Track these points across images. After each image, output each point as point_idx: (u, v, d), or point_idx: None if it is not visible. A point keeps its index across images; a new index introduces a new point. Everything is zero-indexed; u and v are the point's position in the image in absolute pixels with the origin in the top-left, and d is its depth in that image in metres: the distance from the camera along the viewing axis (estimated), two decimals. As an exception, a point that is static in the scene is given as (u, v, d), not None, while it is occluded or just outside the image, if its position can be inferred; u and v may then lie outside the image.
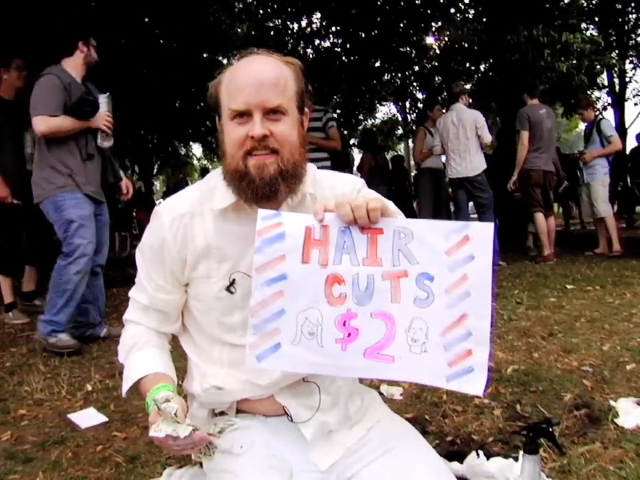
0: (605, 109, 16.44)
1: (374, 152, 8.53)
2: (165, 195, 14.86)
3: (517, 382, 2.53)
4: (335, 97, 13.71)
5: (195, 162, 24.57)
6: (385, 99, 15.91)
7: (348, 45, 12.74)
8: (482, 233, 1.10)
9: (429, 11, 11.31)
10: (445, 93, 11.20)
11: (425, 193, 7.14)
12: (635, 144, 11.12)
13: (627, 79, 16.47)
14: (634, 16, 12.89)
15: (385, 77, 14.18)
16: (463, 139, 6.22)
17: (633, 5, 11.66)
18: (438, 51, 12.78)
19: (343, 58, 13.02)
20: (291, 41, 12.92)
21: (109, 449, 2.09)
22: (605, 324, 3.47)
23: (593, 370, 2.64)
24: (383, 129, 18.84)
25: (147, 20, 9.49)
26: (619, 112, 16.07)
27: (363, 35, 12.17)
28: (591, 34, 8.72)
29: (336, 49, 13.09)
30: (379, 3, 11.32)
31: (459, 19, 10.93)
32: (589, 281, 5.00)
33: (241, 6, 11.60)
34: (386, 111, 19.69)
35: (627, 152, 11.09)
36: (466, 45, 10.74)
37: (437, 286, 1.10)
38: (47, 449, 2.12)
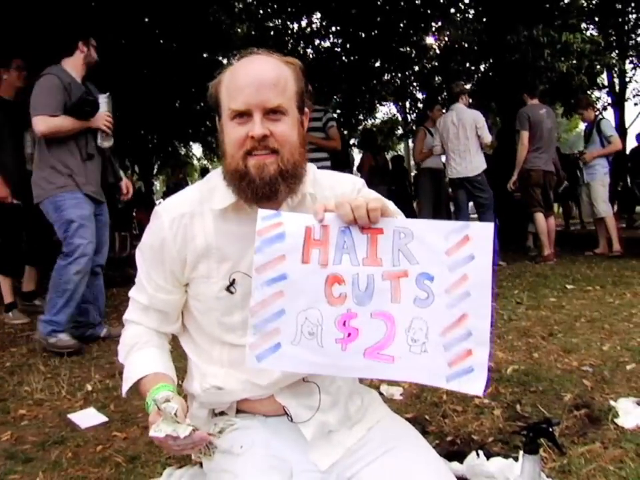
0: (605, 108, 16.44)
1: (374, 152, 8.52)
2: (165, 195, 14.86)
3: (516, 382, 2.53)
4: (334, 97, 13.71)
5: (195, 162, 24.57)
6: (385, 98, 15.92)
7: (348, 45, 12.75)
8: (482, 233, 1.10)
9: (429, 11, 11.32)
10: (445, 93, 11.21)
11: (424, 193, 7.13)
12: (635, 144, 11.12)
13: (627, 79, 16.47)
14: (634, 16, 12.89)
15: (385, 77, 14.18)
16: (463, 139, 6.22)
17: (633, 4, 11.66)
18: (438, 51, 12.79)
19: (343, 58, 13.02)
20: (291, 41, 12.93)
21: (109, 449, 2.09)
22: (605, 324, 3.47)
23: (592, 370, 2.64)
24: (383, 129, 18.85)
25: (147, 20, 9.49)
26: (619, 112, 16.07)
27: (363, 35, 12.18)
28: (590, 34, 8.72)
29: (336, 49, 13.09)
30: (378, 2, 11.33)
31: (459, 18, 10.93)
32: (589, 281, 5.00)
33: (240, 6, 11.60)
34: (386, 111, 19.71)
35: (627, 152, 11.09)
36: (466, 45, 10.74)
37: (436, 286, 1.10)
38: (47, 448, 2.12)
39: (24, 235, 4.60)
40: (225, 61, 10.58)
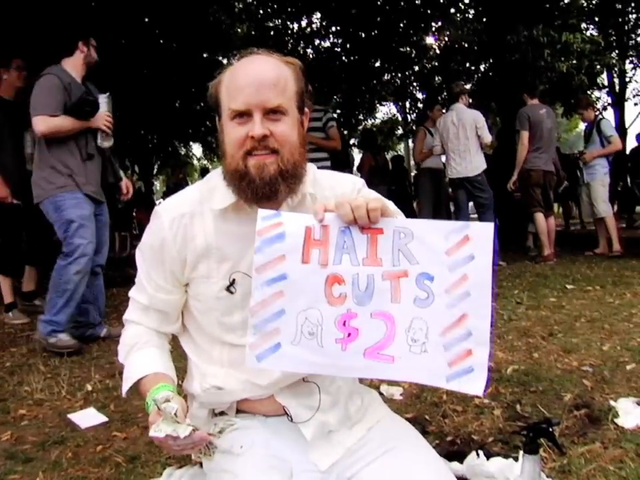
0: (605, 108, 16.43)
1: (374, 152, 8.52)
2: (165, 195, 14.86)
3: (516, 382, 2.53)
4: (334, 97, 13.71)
5: (195, 162, 24.57)
6: (385, 98, 15.92)
7: (348, 45, 12.75)
8: (482, 233, 1.10)
9: (429, 11, 11.32)
10: (445, 93, 11.21)
11: (425, 193, 7.13)
12: (635, 144, 11.12)
13: (627, 79, 16.46)
14: (634, 16, 12.88)
15: (385, 77, 14.18)
16: (463, 139, 6.22)
17: (633, 5, 11.65)
18: (438, 51, 12.78)
19: (343, 58, 13.02)
20: (291, 41, 12.93)
21: (109, 448, 2.09)
22: (605, 324, 3.47)
23: (592, 370, 2.64)
24: (382, 129, 18.85)
25: (147, 20, 9.49)
26: (619, 112, 16.07)
27: (363, 35, 12.18)
28: (590, 34, 8.72)
29: (336, 49, 13.09)
30: (378, 2, 11.33)
31: (459, 19, 10.92)
32: (589, 281, 5.00)
33: (241, 6, 11.61)
34: (386, 110, 19.71)
35: (627, 152, 11.09)
36: (466, 45, 10.74)
37: (437, 286, 1.10)
38: (47, 449, 2.12)
39: (24, 235, 4.60)
40: (225, 61, 10.58)
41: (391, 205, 1.22)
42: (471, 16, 10.82)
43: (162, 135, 14.28)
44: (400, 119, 18.47)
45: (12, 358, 3.46)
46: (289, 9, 12.13)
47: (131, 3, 8.09)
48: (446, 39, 11.92)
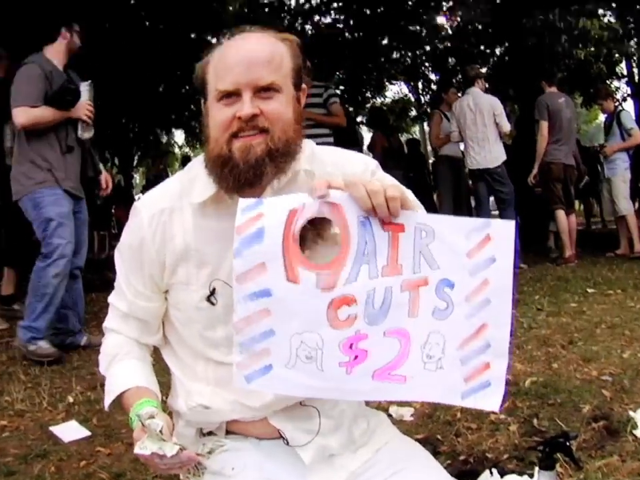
0: (624, 99, 16.40)
1: (386, 132, 8.37)
2: (145, 188, 14.77)
3: (534, 395, 2.59)
4: (337, 73, 13.64)
5: (177, 150, 24.52)
6: (395, 77, 15.85)
7: (351, 22, 12.70)
8: (503, 232, 1.07)
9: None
10: (460, 76, 11.24)
11: (444, 184, 7.19)
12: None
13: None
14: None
15: (394, 55, 14.13)
16: (481, 126, 6.29)
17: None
18: (450, 32, 12.77)
19: (347, 34, 12.96)
20: (288, 17, 12.88)
21: (92, 464, 2.17)
22: (626, 330, 3.57)
23: (612, 379, 2.72)
24: (394, 109, 18.73)
25: (132, 1, 9.50)
26: (639, 104, 16.07)
27: (368, 12, 12.16)
28: (609, 21, 8.75)
29: (338, 25, 13.03)
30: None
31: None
32: (610, 284, 5.09)
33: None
34: (397, 90, 19.62)
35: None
36: (480, 27, 10.75)
37: (457, 294, 1.07)
38: (29, 462, 2.19)
39: (2, 234, 4.65)
40: (214, 41, 10.53)
41: (410, 195, 1.14)
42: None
43: (144, 123, 14.24)
44: (413, 99, 18.44)
45: (-9, 366, 3.52)
46: (285, -17, 12.09)
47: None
48: (458, 19, 11.92)
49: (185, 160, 14.75)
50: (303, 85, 1.29)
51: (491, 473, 1.76)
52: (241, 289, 1.06)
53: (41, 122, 3.56)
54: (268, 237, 1.05)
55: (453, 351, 1.08)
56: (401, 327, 1.07)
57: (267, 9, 12.38)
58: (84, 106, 3.69)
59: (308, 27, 13.18)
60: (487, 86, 6.63)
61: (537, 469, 1.55)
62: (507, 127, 6.37)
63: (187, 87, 11.81)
